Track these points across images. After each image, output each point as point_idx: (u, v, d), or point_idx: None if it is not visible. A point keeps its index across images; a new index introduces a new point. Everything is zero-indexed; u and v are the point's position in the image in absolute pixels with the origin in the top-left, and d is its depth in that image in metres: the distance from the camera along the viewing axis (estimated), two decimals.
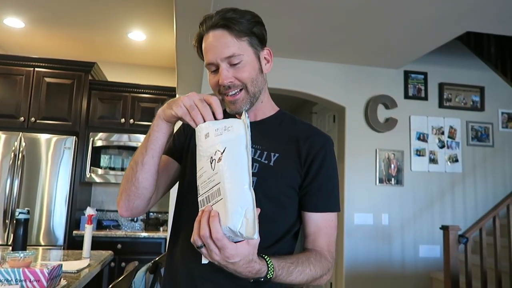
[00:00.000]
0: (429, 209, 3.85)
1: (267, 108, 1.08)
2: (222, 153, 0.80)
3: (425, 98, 4.00)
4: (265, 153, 0.99)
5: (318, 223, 1.00)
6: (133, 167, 0.96)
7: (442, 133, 3.98)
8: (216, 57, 0.95)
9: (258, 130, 1.03)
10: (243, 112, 0.88)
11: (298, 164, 1.00)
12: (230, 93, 0.97)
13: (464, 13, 2.76)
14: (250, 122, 1.04)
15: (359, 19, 2.89)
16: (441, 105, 4.02)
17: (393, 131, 3.85)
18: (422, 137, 3.92)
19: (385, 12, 2.79)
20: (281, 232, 0.99)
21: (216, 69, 0.97)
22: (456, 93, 4.07)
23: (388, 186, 3.78)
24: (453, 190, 3.92)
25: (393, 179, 3.79)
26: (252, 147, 1.00)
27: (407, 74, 3.99)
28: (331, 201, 1.02)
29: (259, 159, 0.99)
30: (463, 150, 4.00)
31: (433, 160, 3.91)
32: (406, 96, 3.96)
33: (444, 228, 2.92)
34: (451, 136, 3.99)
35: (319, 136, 1.04)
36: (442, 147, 3.95)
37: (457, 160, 3.96)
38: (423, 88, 4.01)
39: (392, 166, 3.81)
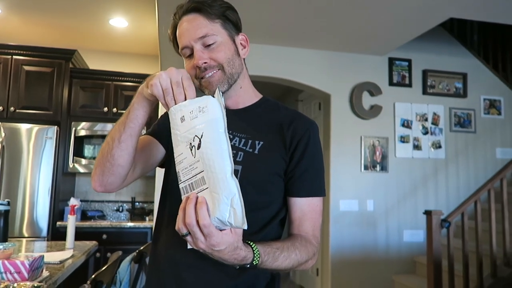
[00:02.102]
0: (413, 194, 3.91)
1: (248, 95, 1.07)
2: (200, 139, 0.78)
3: (409, 85, 4.03)
4: (250, 141, 0.99)
5: (303, 208, 1.00)
6: (109, 142, 0.92)
7: (426, 119, 4.02)
8: (190, 39, 0.94)
9: (241, 118, 1.02)
10: (217, 89, 0.85)
11: (283, 150, 0.99)
12: (207, 75, 0.95)
13: None
14: (233, 110, 1.03)
15: (342, 4, 2.87)
16: (425, 92, 4.06)
17: (377, 118, 3.87)
18: (406, 124, 3.96)
19: None
20: (266, 219, 0.99)
21: (191, 54, 0.96)
22: (439, 80, 4.11)
23: (373, 173, 3.82)
24: (436, 176, 3.98)
25: (378, 165, 3.83)
26: (236, 135, 0.99)
27: (391, 61, 4.00)
28: (315, 185, 1.01)
29: (244, 147, 0.98)
30: (446, 136, 4.05)
31: (417, 147, 3.96)
32: (391, 83, 3.98)
33: (427, 213, 2.97)
34: (435, 122, 4.03)
35: (302, 121, 1.03)
36: (425, 133, 4.00)
37: (440, 146, 4.02)
38: (407, 75, 4.04)
39: (377, 152, 3.85)
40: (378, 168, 3.83)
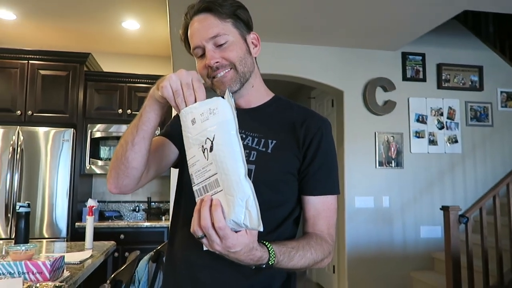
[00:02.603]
0: (429, 190, 3.86)
1: (260, 94, 1.06)
2: (212, 141, 0.78)
3: (424, 80, 3.98)
4: (263, 140, 0.98)
5: (317, 206, 0.99)
6: (123, 145, 0.93)
7: (441, 114, 3.96)
8: (201, 39, 0.95)
9: (253, 117, 1.02)
10: (227, 90, 0.85)
11: (296, 149, 0.99)
12: (219, 75, 0.95)
13: None
14: (245, 109, 1.03)
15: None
16: (439, 86, 4.00)
17: (392, 113, 3.84)
18: (421, 119, 3.91)
19: None
20: (281, 218, 0.99)
21: (203, 53, 0.97)
22: (454, 74, 4.04)
23: (388, 169, 3.79)
24: (453, 171, 3.93)
25: (393, 161, 3.80)
26: (248, 135, 0.99)
27: (404, 55, 3.95)
28: (329, 184, 1.01)
29: (257, 147, 0.98)
30: (462, 131, 3.99)
31: (432, 142, 3.91)
32: (404, 78, 3.93)
33: (444, 209, 2.93)
34: (450, 117, 3.97)
35: (315, 119, 1.02)
36: (441, 128, 3.94)
37: (456, 141, 3.96)
38: (421, 69, 3.98)
39: (392, 148, 3.81)
40: (393, 164, 3.79)
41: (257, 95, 1.05)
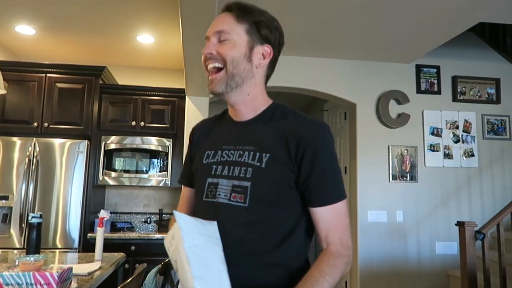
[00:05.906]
0: (445, 205, 3.77)
1: (258, 103, 1.06)
2: (175, 263, 0.90)
3: (438, 92, 3.93)
4: (257, 154, 0.98)
5: (327, 217, 0.97)
6: None
7: (457, 127, 3.89)
8: (210, 31, 1.03)
9: (250, 129, 1.04)
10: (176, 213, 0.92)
11: (289, 161, 0.96)
12: (209, 65, 1.01)
13: (477, 3, 2.68)
14: (243, 122, 1.06)
15: (367, 13, 2.85)
16: (455, 99, 3.94)
17: (405, 126, 3.79)
18: (436, 132, 3.85)
19: (393, 5, 2.74)
20: (285, 232, 0.97)
21: None
22: (470, 86, 3.98)
23: (402, 183, 3.72)
24: (469, 185, 3.83)
25: (407, 175, 3.73)
26: (245, 149, 1.01)
27: (419, 68, 3.92)
28: (333, 192, 0.98)
29: (252, 162, 0.98)
30: (479, 144, 3.91)
31: (448, 155, 3.83)
32: (419, 91, 3.89)
33: (460, 225, 2.86)
34: (466, 130, 3.90)
35: (307, 128, 0.99)
36: (457, 141, 3.87)
37: (473, 155, 3.88)
38: (436, 82, 3.93)
39: (406, 162, 3.75)
40: (407, 178, 3.73)
41: (255, 104, 1.05)
